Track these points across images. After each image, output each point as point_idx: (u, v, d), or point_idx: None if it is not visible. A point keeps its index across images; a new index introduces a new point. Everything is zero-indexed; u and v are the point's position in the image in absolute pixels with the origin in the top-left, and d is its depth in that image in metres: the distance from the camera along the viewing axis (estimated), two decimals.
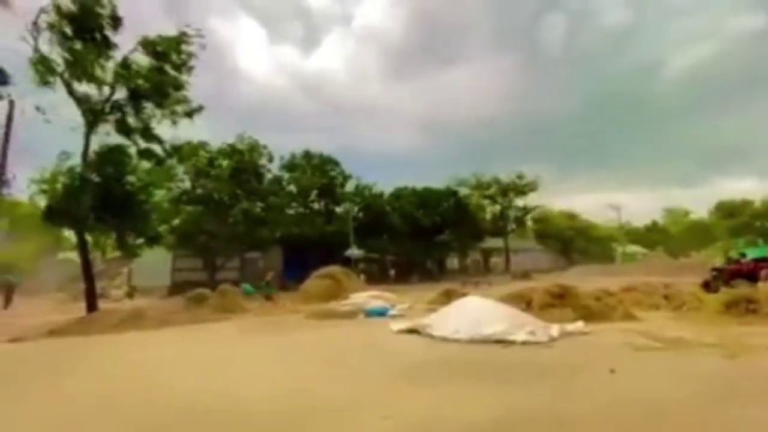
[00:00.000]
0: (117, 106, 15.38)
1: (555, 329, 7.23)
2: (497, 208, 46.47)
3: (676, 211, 68.44)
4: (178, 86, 15.41)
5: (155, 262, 24.45)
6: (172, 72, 15.21)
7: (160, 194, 15.74)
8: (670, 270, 29.23)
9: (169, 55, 14.86)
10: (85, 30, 13.43)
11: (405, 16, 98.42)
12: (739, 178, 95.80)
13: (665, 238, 62.89)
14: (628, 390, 3.98)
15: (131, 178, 15.03)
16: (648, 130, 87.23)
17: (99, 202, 13.68)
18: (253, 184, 25.96)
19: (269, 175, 29.11)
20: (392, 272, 36.25)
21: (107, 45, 13.81)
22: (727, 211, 59.18)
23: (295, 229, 28.70)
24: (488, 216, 45.34)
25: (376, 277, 33.45)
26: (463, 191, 43.40)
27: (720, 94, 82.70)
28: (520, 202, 46.67)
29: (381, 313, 11.32)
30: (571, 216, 53.48)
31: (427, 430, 3.16)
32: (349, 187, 34.92)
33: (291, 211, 30.22)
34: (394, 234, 34.86)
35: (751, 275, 14.84)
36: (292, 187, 31.87)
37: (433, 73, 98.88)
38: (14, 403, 4.42)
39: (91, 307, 14.23)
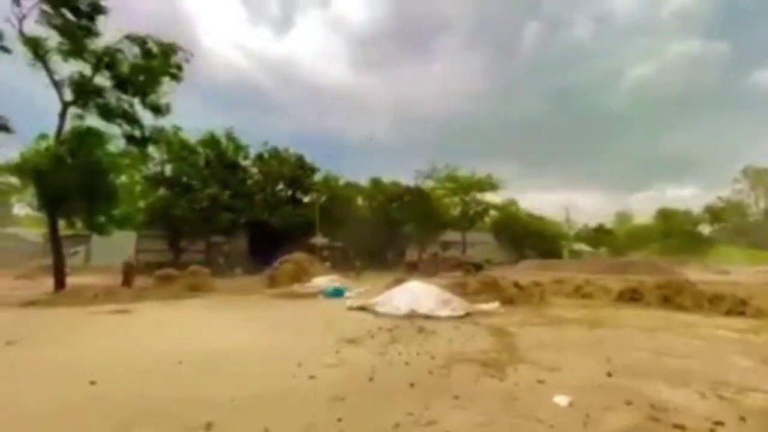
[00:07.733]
0: (98, 90, 15.77)
1: (472, 307, 9.12)
2: (459, 202, 48.74)
3: (623, 215, 75.61)
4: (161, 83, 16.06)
5: (113, 242, 24.34)
6: (163, 78, 15.82)
7: (132, 176, 16.26)
8: (604, 267, 32.57)
9: (157, 58, 15.44)
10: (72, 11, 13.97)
11: (382, 6, 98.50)
12: (679, 187, 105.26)
13: (611, 238, 68.47)
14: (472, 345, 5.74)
15: (104, 159, 15.38)
16: (603, 136, 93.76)
17: (73, 182, 14.07)
18: (225, 173, 26.45)
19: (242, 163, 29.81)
20: (357, 262, 37.89)
21: (90, 31, 14.37)
22: (665, 217, 66.04)
23: (262, 216, 29.49)
24: (451, 210, 47.54)
25: (339, 264, 34.96)
26: (430, 183, 45.25)
27: (662, 110, 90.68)
28: (481, 197, 49.09)
29: (338, 293, 12.84)
30: (530, 215, 56.80)
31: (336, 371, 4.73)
32: (318, 176, 35.95)
33: (259, 197, 30.87)
34: (359, 224, 36.35)
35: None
36: (261, 177, 32.54)
37: (407, 65, 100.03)
38: (40, 352, 5.60)
39: (59, 283, 14.77)
